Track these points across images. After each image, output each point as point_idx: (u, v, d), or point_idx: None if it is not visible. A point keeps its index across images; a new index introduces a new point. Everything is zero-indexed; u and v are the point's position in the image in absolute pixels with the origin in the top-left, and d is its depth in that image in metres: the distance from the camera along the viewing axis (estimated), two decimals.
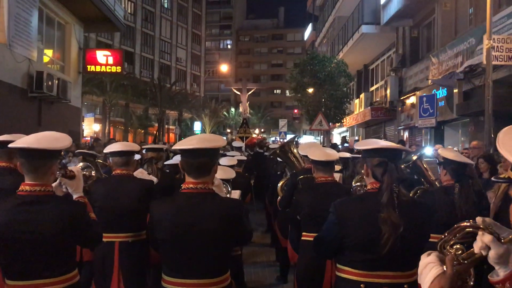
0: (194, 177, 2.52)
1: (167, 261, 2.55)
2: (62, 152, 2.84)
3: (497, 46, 9.00)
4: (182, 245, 2.46)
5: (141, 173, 4.20)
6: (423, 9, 16.31)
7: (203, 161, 2.52)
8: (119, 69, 15.09)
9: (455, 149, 10.01)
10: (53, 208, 2.42)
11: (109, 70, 15.08)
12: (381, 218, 2.36)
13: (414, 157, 4.51)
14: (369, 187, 2.57)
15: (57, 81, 11.97)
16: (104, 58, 14.86)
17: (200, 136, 2.79)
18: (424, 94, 14.38)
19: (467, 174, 3.74)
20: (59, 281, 2.46)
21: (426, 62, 15.63)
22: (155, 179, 4.35)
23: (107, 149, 3.97)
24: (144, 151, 5.88)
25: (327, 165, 3.80)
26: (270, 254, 7.53)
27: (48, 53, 13.61)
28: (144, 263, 3.84)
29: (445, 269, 1.43)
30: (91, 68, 14.90)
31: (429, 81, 14.55)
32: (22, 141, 2.44)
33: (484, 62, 9.19)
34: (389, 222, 2.34)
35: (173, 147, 2.70)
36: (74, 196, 2.71)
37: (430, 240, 3.25)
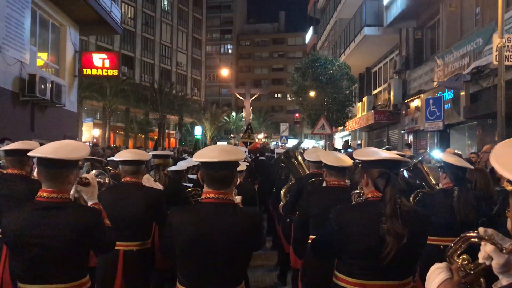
0: (214, 189, 2.49)
1: (184, 270, 2.50)
2: (80, 162, 2.88)
3: (508, 46, 8.59)
4: (202, 255, 2.41)
5: (147, 179, 4.17)
6: (427, 10, 15.93)
7: (224, 173, 2.48)
8: (115, 72, 14.67)
9: (459, 152, 9.61)
10: (69, 214, 2.46)
11: (106, 73, 14.68)
12: (385, 228, 2.35)
13: (415, 161, 4.53)
14: (369, 195, 2.55)
15: (50, 85, 11.58)
16: (100, 61, 14.47)
17: (220, 147, 2.70)
18: (429, 96, 13.97)
19: (466, 178, 3.77)
20: (70, 287, 2.49)
21: (430, 64, 15.26)
22: (161, 187, 4.36)
23: (117, 156, 3.97)
24: (151, 158, 5.77)
25: (341, 171, 3.79)
26: (270, 258, 7.48)
27: (43, 56, 13.23)
28: (148, 272, 3.85)
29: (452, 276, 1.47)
30: (87, 71, 14.51)
31: (435, 83, 14.15)
32: (41, 150, 2.48)
33: (495, 62, 8.79)
34: (393, 232, 2.33)
35: (194, 159, 2.64)
36: (89, 203, 2.78)
37: (430, 242, 3.36)
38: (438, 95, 13.69)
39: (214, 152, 2.50)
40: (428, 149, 14.12)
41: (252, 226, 2.50)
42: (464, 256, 1.52)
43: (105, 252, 2.95)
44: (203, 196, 2.52)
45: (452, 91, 13.39)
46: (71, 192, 2.75)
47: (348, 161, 3.85)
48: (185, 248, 2.44)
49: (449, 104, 13.50)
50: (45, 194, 2.48)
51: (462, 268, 1.50)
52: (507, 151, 1.34)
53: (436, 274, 1.49)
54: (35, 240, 2.40)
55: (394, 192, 2.39)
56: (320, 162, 4.09)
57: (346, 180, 4.32)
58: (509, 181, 1.37)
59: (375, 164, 2.49)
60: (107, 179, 3.69)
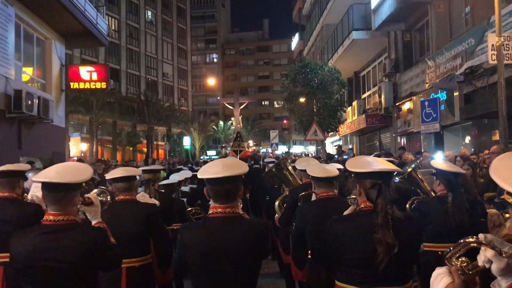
0: (220, 203, 2.54)
1: (197, 283, 2.56)
2: (83, 184, 2.87)
3: (505, 44, 8.49)
4: (213, 268, 2.47)
5: (142, 197, 4.21)
6: (416, 12, 15.92)
7: (228, 188, 2.53)
8: (104, 85, 14.30)
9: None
10: (76, 236, 2.50)
11: (94, 87, 14.31)
12: (377, 238, 2.43)
13: (409, 169, 4.55)
14: (362, 205, 2.62)
15: (37, 100, 11.24)
16: (88, 74, 14.12)
17: (223, 161, 2.70)
18: (422, 98, 13.91)
19: (459, 183, 3.81)
20: None
21: (421, 66, 15.23)
22: (157, 202, 4.38)
23: (109, 175, 4.01)
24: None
25: (328, 181, 3.81)
26: (271, 266, 7.46)
27: (28, 71, 12.86)
28: (151, 287, 3.93)
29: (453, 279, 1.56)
30: (74, 85, 14.12)
31: (427, 85, 14.09)
32: (45, 174, 2.52)
33: (491, 61, 8.70)
34: (384, 242, 2.42)
35: (198, 175, 2.64)
36: (93, 222, 2.83)
37: (427, 249, 3.72)
38: (431, 96, 13.62)
39: (217, 168, 2.54)
40: (422, 151, 14.02)
41: (259, 236, 2.57)
42: (463, 259, 1.61)
43: (112, 270, 3.00)
44: (210, 211, 2.57)
45: (445, 92, 13.33)
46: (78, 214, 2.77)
47: (335, 171, 3.88)
48: (197, 263, 2.50)
49: (442, 105, 13.43)
50: (51, 217, 2.51)
51: (461, 269, 1.59)
52: (506, 164, 1.44)
53: (439, 280, 1.58)
54: (46, 264, 2.43)
55: (385, 203, 2.46)
56: None
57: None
58: (509, 193, 1.48)
59: (367, 176, 2.56)
60: (108, 197, 3.70)
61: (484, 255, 1.51)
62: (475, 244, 1.57)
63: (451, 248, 1.65)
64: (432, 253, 3.65)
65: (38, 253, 2.44)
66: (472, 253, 1.62)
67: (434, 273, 1.63)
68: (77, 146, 28.06)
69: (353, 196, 3.97)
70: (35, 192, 4.06)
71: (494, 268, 1.49)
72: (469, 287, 1.60)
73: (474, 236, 1.59)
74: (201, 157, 39.42)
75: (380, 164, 2.62)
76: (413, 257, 2.66)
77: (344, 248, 2.55)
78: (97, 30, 14.20)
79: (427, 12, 15.23)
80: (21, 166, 4.03)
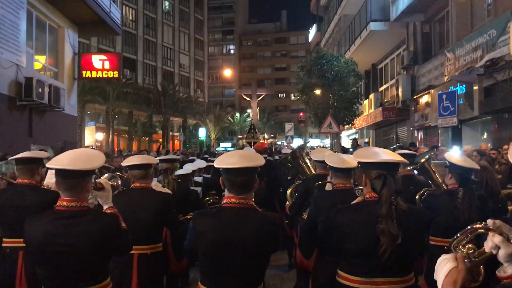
0: (235, 194, 2.56)
1: (206, 271, 2.59)
2: (96, 170, 2.91)
3: None
4: (224, 258, 2.49)
5: (155, 186, 4.21)
6: (436, 2, 15.47)
7: (244, 179, 2.54)
8: (116, 74, 14.24)
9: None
10: (88, 221, 2.54)
11: (106, 75, 14.24)
12: (380, 229, 2.42)
13: (422, 160, 4.54)
14: (367, 196, 2.63)
15: (48, 88, 11.19)
16: (100, 63, 14.06)
17: (240, 153, 2.71)
18: (440, 91, 13.50)
19: (471, 179, 3.77)
20: None
21: (440, 58, 14.80)
22: (169, 192, 4.41)
23: (125, 162, 4.08)
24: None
25: (346, 172, 3.77)
26: (279, 258, 7.39)
27: (41, 59, 12.84)
28: (162, 275, 3.98)
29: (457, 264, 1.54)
30: (86, 73, 14.09)
31: (445, 78, 13.67)
32: (59, 161, 2.55)
33: None
34: (387, 233, 2.41)
35: (215, 165, 2.66)
36: (104, 207, 2.86)
37: (434, 243, 3.72)
38: (450, 89, 13.21)
39: (234, 158, 2.56)
40: (439, 145, 13.64)
41: (271, 230, 2.56)
42: (470, 246, 1.60)
43: (123, 254, 3.04)
44: (224, 201, 2.59)
45: (464, 85, 12.90)
46: (90, 201, 2.81)
47: (353, 162, 3.78)
48: (208, 251, 2.52)
49: (461, 99, 13.02)
50: (64, 203, 2.55)
51: (467, 256, 1.57)
52: None
53: (443, 265, 1.56)
54: (59, 249, 2.48)
55: (390, 194, 2.46)
56: None
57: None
58: None
59: (373, 166, 2.57)
60: (119, 181, 3.71)
61: (492, 241, 1.51)
62: (483, 230, 1.56)
63: (458, 235, 1.63)
64: (438, 247, 3.62)
65: (50, 238, 2.48)
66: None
67: (439, 259, 1.61)
68: (92, 135, 28.31)
69: (361, 187, 3.90)
70: (50, 179, 4.06)
71: (502, 254, 1.48)
72: (473, 277, 1.58)
73: (483, 223, 1.58)
74: (216, 149, 39.42)
75: (387, 155, 2.60)
76: (416, 250, 2.66)
77: (347, 237, 2.57)
78: (110, 19, 14.08)
79: (447, 2, 14.76)
80: (40, 153, 4.08)
